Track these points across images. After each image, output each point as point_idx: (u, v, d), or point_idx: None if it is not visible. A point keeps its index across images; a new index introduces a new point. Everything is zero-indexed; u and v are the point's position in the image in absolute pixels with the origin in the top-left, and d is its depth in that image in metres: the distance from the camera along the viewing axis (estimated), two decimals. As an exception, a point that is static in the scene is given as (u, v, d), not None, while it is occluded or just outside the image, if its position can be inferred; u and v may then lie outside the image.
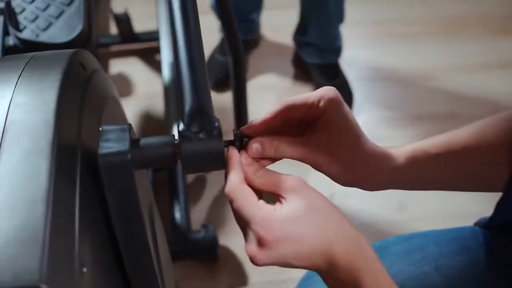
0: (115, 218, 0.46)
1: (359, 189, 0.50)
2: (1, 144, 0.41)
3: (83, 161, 0.45)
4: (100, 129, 0.46)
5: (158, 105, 1.48)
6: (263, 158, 0.48)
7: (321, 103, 0.45)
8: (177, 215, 1.14)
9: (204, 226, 1.14)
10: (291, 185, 0.43)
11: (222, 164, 0.46)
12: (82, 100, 0.50)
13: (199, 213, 1.27)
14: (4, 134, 0.42)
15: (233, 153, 0.46)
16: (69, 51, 0.54)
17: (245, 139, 0.48)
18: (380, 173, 0.49)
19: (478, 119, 0.52)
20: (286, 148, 0.47)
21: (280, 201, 0.43)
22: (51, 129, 0.42)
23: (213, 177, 1.33)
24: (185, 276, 1.15)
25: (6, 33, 1.08)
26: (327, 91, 0.46)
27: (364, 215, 1.29)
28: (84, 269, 0.39)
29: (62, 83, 0.47)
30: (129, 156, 0.44)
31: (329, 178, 0.49)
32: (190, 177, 1.32)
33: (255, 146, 0.47)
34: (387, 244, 0.65)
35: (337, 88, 0.47)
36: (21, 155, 0.40)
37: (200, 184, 1.32)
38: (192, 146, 0.45)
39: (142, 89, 1.55)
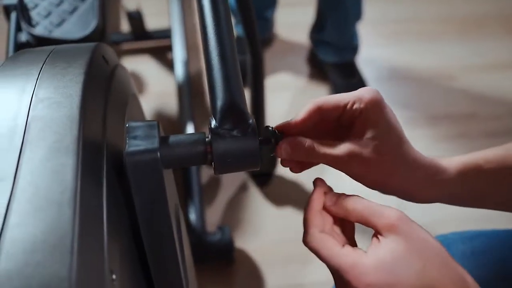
0: (142, 220, 0.44)
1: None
2: (24, 141, 0.38)
3: (109, 160, 0.42)
4: (127, 125, 0.43)
5: (171, 104, 1.46)
6: (293, 161, 0.46)
7: (356, 105, 0.42)
8: (192, 216, 1.11)
9: (220, 228, 1.11)
10: (389, 223, 0.38)
11: (257, 163, 0.43)
12: (106, 95, 0.47)
13: (214, 215, 1.24)
14: (26, 130, 0.39)
15: (316, 197, 0.43)
16: (90, 44, 0.52)
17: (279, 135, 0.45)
18: (426, 184, 0.44)
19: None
20: (320, 150, 0.43)
21: (377, 238, 0.39)
22: (76, 125, 0.40)
23: (228, 178, 1.30)
24: (200, 279, 1.12)
25: (18, 29, 1.06)
26: (365, 92, 0.42)
27: None
28: (114, 276, 0.36)
29: (86, 76, 0.45)
30: (158, 154, 0.41)
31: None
32: (205, 178, 1.30)
33: (284, 146, 0.44)
34: (448, 241, 0.59)
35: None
36: (45, 152, 0.38)
37: (215, 185, 1.30)
38: (225, 144, 0.42)
39: (155, 88, 1.53)
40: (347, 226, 0.44)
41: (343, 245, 0.40)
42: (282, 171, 1.31)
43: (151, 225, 0.44)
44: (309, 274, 1.14)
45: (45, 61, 0.47)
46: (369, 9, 1.56)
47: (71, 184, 0.36)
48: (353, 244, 0.43)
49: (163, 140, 0.43)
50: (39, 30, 1.02)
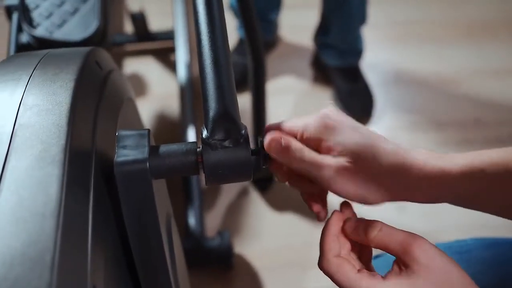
0: (131, 231, 0.43)
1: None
2: (9, 149, 0.38)
3: (97, 169, 0.41)
4: (117, 134, 0.42)
5: (173, 106, 1.45)
6: (281, 166, 0.44)
7: (309, 132, 0.42)
8: (191, 221, 1.10)
9: (220, 233, 1.10)
10: (418, 253, 0.37)
11: (249, 175, 0.42)
12: (97, 102, 0.46)
13: (214, 219, 1.23)
14: (12, 139, 0.38)
15: (334, 221, 0.43)
16: (85, 49, 0.51)
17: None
18: (426, 186, 0.41)
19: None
20: (309, 154, 0.42)
21: (399, 267, 0.38)
22: (64, 134, 0.39)
23: (229, 182, 1.29)
24: (198, 284, 1.12)
25: (19, 30, 1.05)
26: (320, 117, 0.42)
27: (364, 215, 1.25)
28: (97, 291, 0.35)
29: (77, 83, 0.44)
30: (147, 165, 0.40)
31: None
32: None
33: (275, 140, 0.42)
34: (468, 247, 0.58)
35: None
36: (30, 162, 0.37)
37: (216, 189, 1.29)
38: (216, 155, 0.41)
39: (157, 90, 1.52)
40: (364, 251, 0.43)
41: (359, 270, 0.39)
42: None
43: (140, 236, 0.43)
44: (310, 280, 1.12)
45: (36, 66, 0.46)
46: (374, 12, 1.54)
47: (56, 195, 0.35)
48: (369, 268, 0.42)
49: (153, 150, 0.42)
50: (39, 31, 1.02)
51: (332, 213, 0.44)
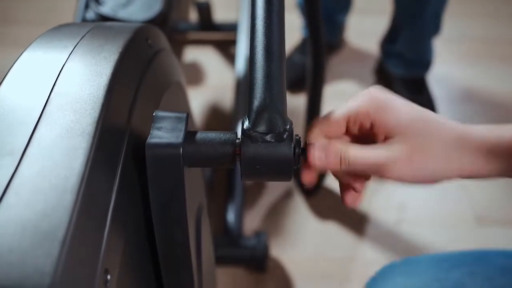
0: (156, 219, 0.40)
1: None
2: (41, 116, 0.36)
3: (129, 148, 0.39)
4: (154, 114, 0.39)
5: (226, 99, 1.43)
6: (314, 173, 0.41)
7: (361, 116, 0.40)
8: (230, 217, 1.08)
9: (257, 233, 1.07)
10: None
11: (289, 175, 0.38)
12: (140, 79, 0.44)
13: (254, 219, 1.20)
14: (46, 106, 0.37)
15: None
16: (136, 24, 0.49)
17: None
18: (462, 155, 0.40)
19: None
20: (354, 154, 0.39)
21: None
22: (98, 106, 0.37)
23: (274, 183, 1.25)
24: (229, 283, 1.09)
25: (86, 6, 1.07)
26: (368, 98, 0.41)
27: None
28: (108, 276, 0.32)
29: (121, 56, 0.42)
30: (181, 150, 0.37)
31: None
32: (249, 179, 1.26)
33: (318, 154, 0.39)
34: (488, 254, 0.58)
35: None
36: (59, 131, 0.35)
37: (260, 188, 1.26)
38: (255, 149, 0.37)
39: (213, 80, 1.51)
40: None
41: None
42: (332, 184, 1.25)
43: (165, 225, 0.41)
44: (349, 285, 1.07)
45: (83, 36, 0.44)
46: (449, 25, 1.45)
47: (79, 170, 0.33)
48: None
49: (189, 136, 0.39)
50: (105, 9, 1.03)
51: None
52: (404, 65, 1.41)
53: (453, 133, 0.39)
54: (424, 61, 1.40)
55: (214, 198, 1.18)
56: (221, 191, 1.17)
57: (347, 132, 0.42)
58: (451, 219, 1.22)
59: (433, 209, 1.24)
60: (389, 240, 1.17)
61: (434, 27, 1.33)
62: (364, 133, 0.41)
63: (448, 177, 0.40)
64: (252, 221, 1.19)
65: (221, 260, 1.00)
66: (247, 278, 1.09)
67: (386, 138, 0.40)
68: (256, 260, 1.03)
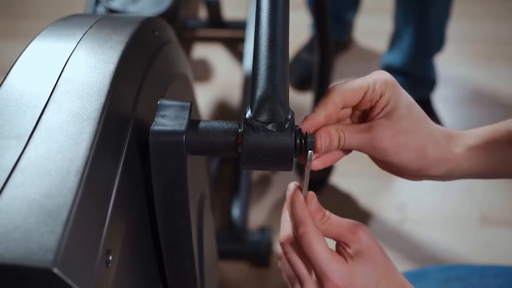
0: (159, 205, 0.41)
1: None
2: (49, 101, 0.37)
3: (133, 135, 0.40)
4: (158, 102, 0.40)
5: (234, 96, 1.44)
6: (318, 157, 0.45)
7: (377, 86, 0.43)
8: (235, 212, 1.08)
9: (262, 228, 1.08)
10: (360, 239, 0.43)
11: (290, 165, 0.39)
12: (146, 68, 0.45)
13: (259, 214, 1.20)
14: (54, 92, 0.38)
15: (298, 199, 0.44)
16: (143, 16, 0.50)
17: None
18: (453, 154, 0.45)
19: None
20: (350, 136, 0.43)
21: (345, 249, 0.43)
22: (104, 93, 0.38)
23: (280, 177, 1.26)
24: (232, 276, 1.10)
25: (97, 1, 1.08)
26: (381, 74, 0.43)
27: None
28: (110, 257, 0.33)
29: (127, 45, 0.43)
30: (184, 138, 0.38)
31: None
32: (256, 174, 1.27)
33: (324, 139, 0.42)
34: (426, 271, 0.63)
35: None
36: (66, 116, 0.36)
37: (266, 183, 1.26)
38: (257, 138, 0.38)
39: (221, 77, 1.52)
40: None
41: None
42: (336, 181, 1.25)
43: (167, 211, 0.41)
44: None
45: (91, 26, 0.45)
46: (463, 25, 1.45)
47: (84, 153, 0.34)
48: None
49: (192, 124, 0.40)
50: (115, 4, 1.04)
51: (294, 187, 0.44)
52: (407, 86, 1.37)
53: (443, 128, 0.45)
54: (428, 80, 1.36)
55: (219, 193, 1.19)
56: (227, 186, 1.18)
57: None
58: (455, 219, 1.22)
59: (437, 209, 1.24)
60: (392, 239, 1.17)
61: (438, 42, 1.29)
62: (360, 110, 0.45)
63: (437, 163, 0.45)
64: (257, 216, 1.20)
65: (225, 254, 1.01)
66: (251, 272, 1.10)
67: (384, 113, 0.43)
68: (260, 254, 1.04)
